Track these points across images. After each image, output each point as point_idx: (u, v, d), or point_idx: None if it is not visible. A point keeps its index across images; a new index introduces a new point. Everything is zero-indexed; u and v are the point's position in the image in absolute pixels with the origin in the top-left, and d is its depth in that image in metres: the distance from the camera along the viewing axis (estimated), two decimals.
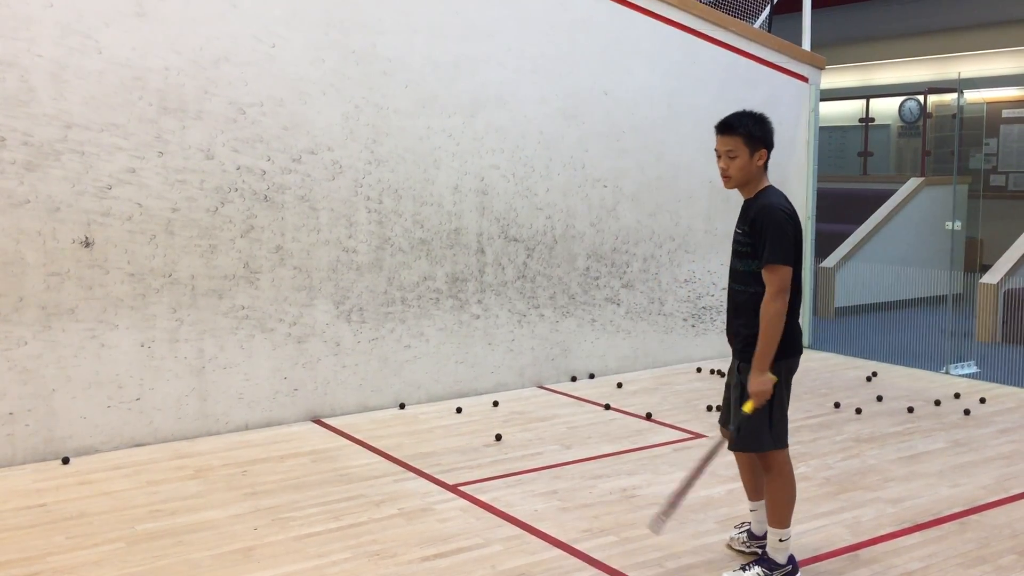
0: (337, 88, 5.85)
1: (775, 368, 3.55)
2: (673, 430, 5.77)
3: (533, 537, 4.13)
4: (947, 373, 7.37)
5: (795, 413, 6.02)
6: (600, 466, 5.09)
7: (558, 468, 5.06)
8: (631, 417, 6.07)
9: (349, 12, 5.86)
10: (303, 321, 5.85)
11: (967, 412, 6.16)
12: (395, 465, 5.10)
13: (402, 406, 6.26)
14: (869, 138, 14.25)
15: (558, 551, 3.99)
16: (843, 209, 11.19)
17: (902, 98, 14.26)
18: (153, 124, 5.27)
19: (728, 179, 3.62)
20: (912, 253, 10.19)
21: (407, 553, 3.95)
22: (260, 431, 5.69)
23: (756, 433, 3.60)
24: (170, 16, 5.28)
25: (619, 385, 6.91)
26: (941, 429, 5.82)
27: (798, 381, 3.81)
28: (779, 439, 3.63)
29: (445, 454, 5.28)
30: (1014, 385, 6.96)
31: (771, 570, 3.65)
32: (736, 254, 3.69)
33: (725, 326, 3.85)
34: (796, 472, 4.29)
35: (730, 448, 3.77)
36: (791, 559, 3.68)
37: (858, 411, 6.19)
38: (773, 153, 3.65)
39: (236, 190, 5.55)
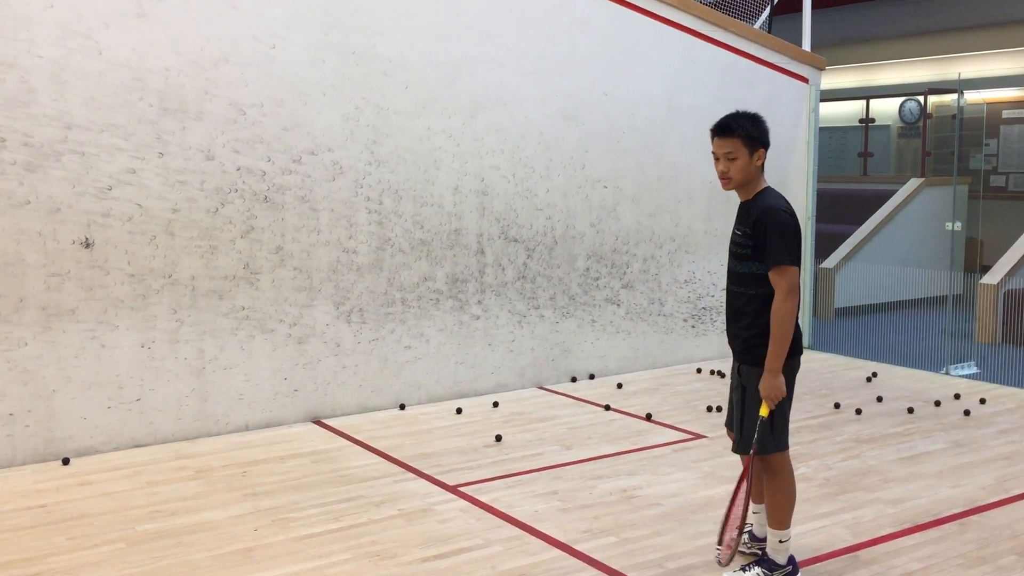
0: (337, 89, 5.85)
1: None
2: (673, 431, 5.77)
3: (533, 538, 4.13)
4: (947, 374, 7.37)
5: (795, 414, 6.01)
6: (600, 467, 5.09)
7: (558, 469, 5.06)
8: (631, 418, 6.07)
9: (349, 13, 5.86)
10: (303, 322, 5.85)
11: (967, 413, 6.16)
12: (395, 466, 5.10)
13: (402, 407, 6.26)
14: (869, 139, 14.25)
15: (558, 552, 3.99)
16: (843, 210, 11.20)
17: (902, 99, 14.27)
18: (153, 125, 5.27)
19: (728, 181, 3.61)
20: (912, 254, 10.19)
21: (407, 554, 3.96)
22: (260, 432, 5.69)
23: (759, 436, 3.60)
24: (170, 17, 5.28)
25: (619, 386, 6.91)
26: (941, 430, 5.82)
27: (798, 382, 3.81)
28: (780, 441, 3.63)
29: (445, 455, 5.28)
30: (1014, 386, 6.96)
31: (771, 570, 3.65)
32: (735, 256, 3.68)
33: (725, 329, 3.84)
34: (796, 473, 4.29)
35: (735, 451, 3.77)
36: (791, 560, 3.68)
37: (858, 412, 6.19)
38: (773, 154, 3.66)
39: (236, 191, 5.55)
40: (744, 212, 3.65)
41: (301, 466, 5.08)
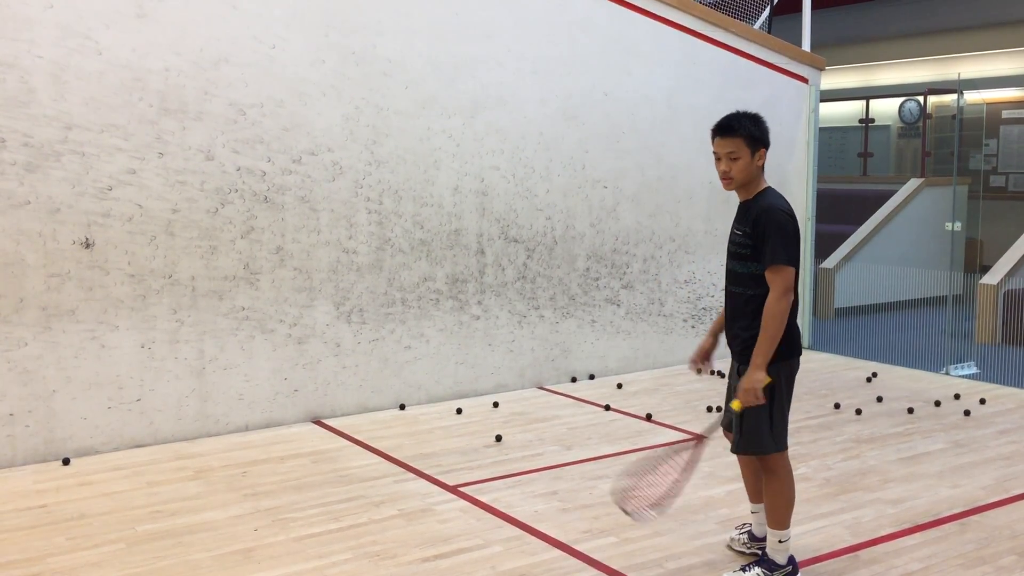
0: (337, 89, 5.85)
1: (775, 369, 3.54)
2: (673, 431, 5.77)
3: (533, 538, 4.13)
4: (947, 374, 7.37)
5: (795, 414, 6.01)
6: (600, 467, 5.09)
7: (558, 469, 5.06)
8: (631, 418, 6.07)
9: (349, 13, 5.87)
10: (303, 322, 5.85)
11: (967, 413, 6.16)
12: (395, 466, 5.10)
13: (402, 407, 6.26)
14: (869, 139, 14.25)
15: (558, 552, 3.99)
16: (843, 210, 11.20)
17: (902, 99, 14.27)
18: (153, 125, 5.27)
19: (729, 181, 3.60)
20: (912, 254, 10.20)
21: (407, 554, 3.96)
22: (260, 432, 5.69)
23: (757, 435, 3.60)
24: (170, 17, 5.28)
25: (619, 386, 6.91)
26: (941, 430, 5.82)
27: (798, 382, 3.81)
28: (779, 441, 3.63)
29: (445, 455, 5.28)
30: (1014, 386, 6.96)
31: (771, 571, 3.65)
32: (734, 256, 3.68)
33: (724, 329, 3.83)
34: (796, 473, 4.29)
35: (732, 451, 3.77)
36: (791, 560, 3.68)
37: (858, 412, 6.19)
38: (773, 154, 3.66)
39: (236, 191, 5.55)
40: (744, 212, 3.65)
41: (301, 466, 5.08)
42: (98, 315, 5.19)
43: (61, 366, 5.12)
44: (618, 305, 7.25)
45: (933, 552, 3.98)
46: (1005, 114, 13.05)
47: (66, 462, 5.08)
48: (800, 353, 3.69)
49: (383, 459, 5.21)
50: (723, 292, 3.86)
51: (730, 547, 4.01)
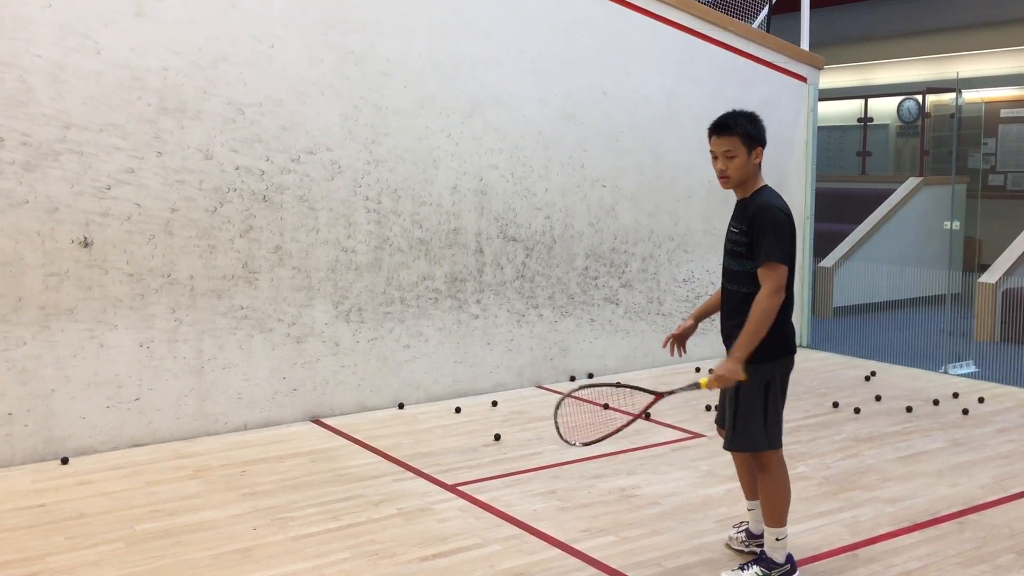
0: (336, 88, 5.85)
1: (769, 368, 3.56)
2: (672, 430, 5.77)
3: (532, 537, 4.13)
4: (946, 373, 7.37)
5: (794, 413, 6.02)
6: (599, 466, 5.09)
7: (557, 468, 5.06)
8: (630, 417, 6.05)
9: (348, 13, 5.86)
10: (302, 321, 5.85)
11: (965, 412, 6.17)
12: (394, 465, 5.10)
13: (401, 406, 6.26)
14: (868, 138, 14.26)
15: (557, 551, 3.99)
16: (842, 209, 11.20)
17: (900, 98, 14.27)
18: (152, 124, 5.27)
19: (727, 179, 3.61)
20: (911, 253, 10.20)
21: (406, 553, 3.96)
22: (259, 431, 5.69)
23: (750, 432, 3.61)
24: (169, 16, 5.28)
25: (618, 384, 6.89)
26: (939, 429, 5.82)
27: (796, 381, 3.82)
28: (773, 438, 3.63)
29: (444, 454, 5.29)
30: (1013, 384, 6.97)
31: (769, 569, 3.65)
32: (731, 254, 3.68)
33: (720, 326, 3.84)
34: (795, 472, 4.30)
35: (725, 448, 3.78)
36: (789, 558, 3.69)
37: (857, 411, 6.19)
38: (771, 153, 3.66)
39: (235, 190, 5.55)
40: (741, 210, 3.65)
41: (300, 465, 5.08)
42: (97, 314, 5.19)
43: (60, 365, 5.12)
44: (617, 304, 7.25)
45: (931, 551, 3.99)
46: (1003, 113, 13.06)
47: (65, 461, 5.09)
48: (795, 351, 3.69)
49: (382, 458, 5.21)
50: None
51: (728, 546, 4.01)
